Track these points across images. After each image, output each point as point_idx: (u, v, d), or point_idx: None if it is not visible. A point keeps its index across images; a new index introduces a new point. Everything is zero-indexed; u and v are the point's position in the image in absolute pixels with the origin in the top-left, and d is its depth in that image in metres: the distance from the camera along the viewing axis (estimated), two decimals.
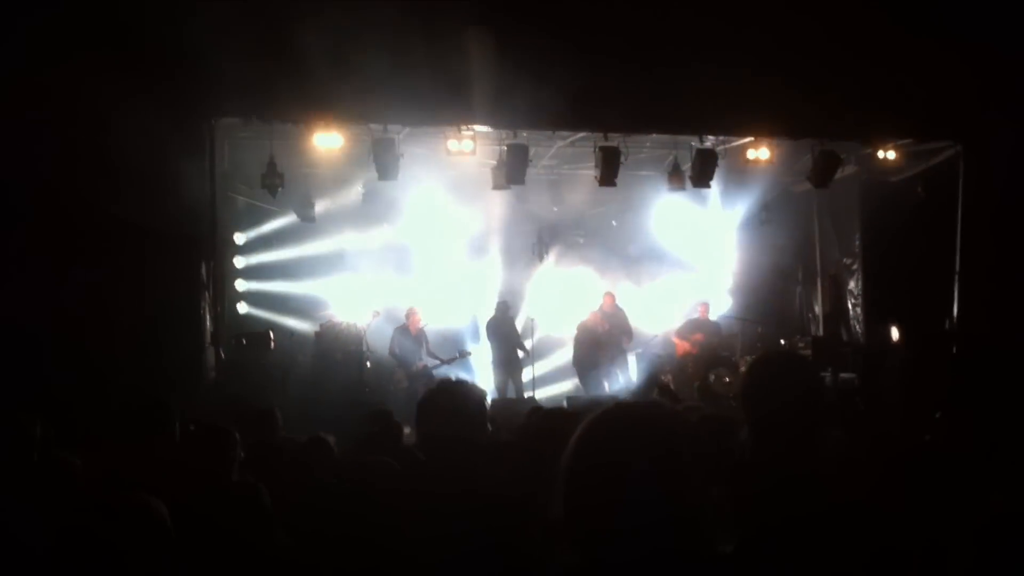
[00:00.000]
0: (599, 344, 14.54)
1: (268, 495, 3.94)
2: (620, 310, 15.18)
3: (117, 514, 3.03)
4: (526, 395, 14.36)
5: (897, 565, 2.60)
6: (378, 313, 14.38)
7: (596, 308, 15.06)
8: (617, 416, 1.95)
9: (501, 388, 14.58)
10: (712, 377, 14.41)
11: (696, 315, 15.73)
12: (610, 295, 15.26)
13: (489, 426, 3.85)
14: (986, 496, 1.54)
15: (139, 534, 3.01)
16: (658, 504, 1.80)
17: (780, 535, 2.36)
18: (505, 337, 14.90)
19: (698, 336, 15.25)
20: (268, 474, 4.51)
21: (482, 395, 3.55)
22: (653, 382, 6.93)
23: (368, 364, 13.96)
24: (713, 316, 15.94)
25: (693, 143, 13.44)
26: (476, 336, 15.99)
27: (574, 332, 14.88)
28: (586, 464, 1.89)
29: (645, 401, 2.09)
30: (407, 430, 7.95)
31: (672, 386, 12.15)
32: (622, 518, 1.80)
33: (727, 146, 13.89)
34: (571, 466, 1.90)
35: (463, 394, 3.43)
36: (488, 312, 15.48)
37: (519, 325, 15.51)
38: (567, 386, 15.52)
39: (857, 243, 15.90)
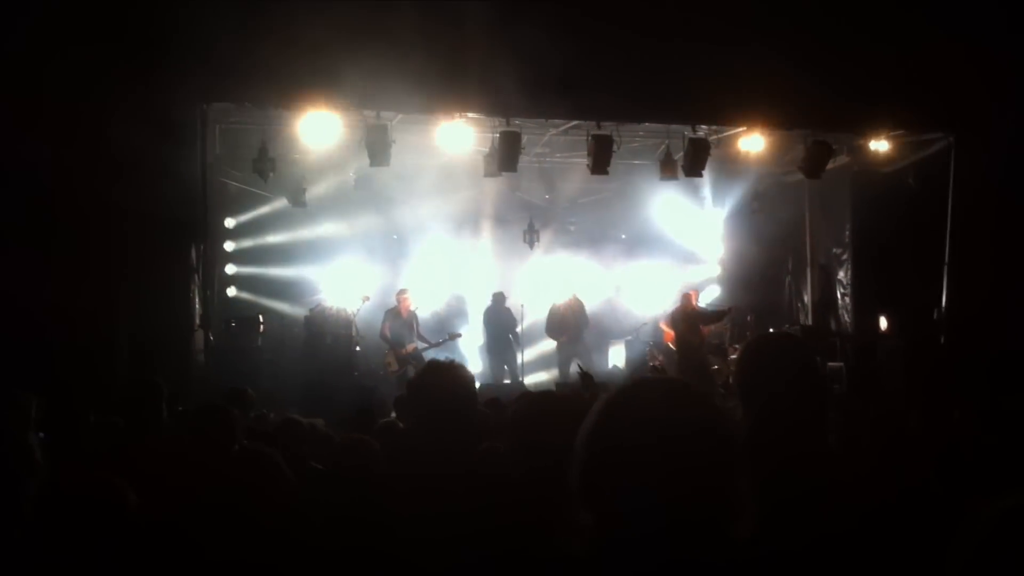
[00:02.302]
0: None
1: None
2: (579, 302, 15.26)
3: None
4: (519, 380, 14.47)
5: (903, 551, 2.61)
6: (368, 298, 14.40)
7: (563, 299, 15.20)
8: (643, 388, 1.94)
9: (496, 375, 14.64)
10: None
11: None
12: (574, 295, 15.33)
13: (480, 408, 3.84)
14: (995, 490, 1.53)
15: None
16: (680, 479, 1.78)
17: (782, 517, 2.36)
18: (500, 326, 14.94)
19: None
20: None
21: (471, 376, 3.53)
22: (643, 366, 6.89)
23: (358, 348, 13.99)
24: (702, 304, 15.99)
25: (686, 132, 13.44)
26: (464, 318, 16.04)
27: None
28: (607, 434, 1.86)
29: (672, 378, 2.06)
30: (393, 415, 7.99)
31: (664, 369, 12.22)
32: (640, 491, 1.78)
33: (720, 136, 13.90)
34: (592, 435, 1.88)
35: (453, 374, 3.43)
36: (477, 297, 15.50)
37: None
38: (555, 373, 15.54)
39: (847, 233, 15.93)
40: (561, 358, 15.02)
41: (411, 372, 13.28)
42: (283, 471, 3.22)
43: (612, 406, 1.91)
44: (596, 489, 1.84)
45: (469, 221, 16.36)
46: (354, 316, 13.91)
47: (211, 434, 4.27)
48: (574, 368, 13.67)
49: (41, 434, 4.57)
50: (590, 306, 16.06)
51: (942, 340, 13.14)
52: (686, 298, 14.73)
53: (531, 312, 15.58)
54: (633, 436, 1.82)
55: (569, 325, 14.98)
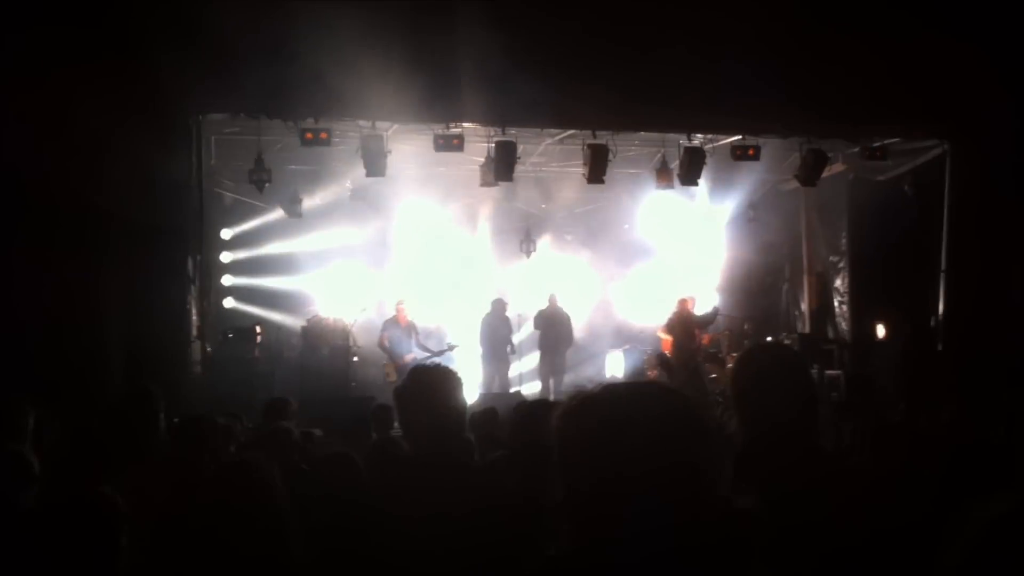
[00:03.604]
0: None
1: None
2: (561, 310, 15.22)
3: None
4: (512, 390, 14.39)
5: (899, 555, 2.60)
6: (365, 308, 14.39)
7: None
8: (615, 394, 1.89)
9: (488, 383, 14.60)
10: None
11: None
12: (553, 296, 15.26)
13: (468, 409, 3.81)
14: (990, 492, 1.51)
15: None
16: (661, 484, 1.74)
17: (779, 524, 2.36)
18: (497, 333, 14.90)
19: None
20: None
21: (459, 379, 3.47)
22: (641, 374, 6.75)
23: (355, 359, 13.96)
24: (699, 311, 15.98)
25: (681, 141, 13.45)
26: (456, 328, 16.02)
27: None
28: (585, 445, 1.82)
29: (642, 380, 2.00)
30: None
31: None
32: (623, 500, 1.75)
33: (715, 144, 13.90)
34: (568, 449, 1.84)
35: (440, 380, 3.40)
36: (473, 308, 15.49)
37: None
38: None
39: (844, 241, 15.96)
40: (543, 371, 15.00)
41: None
42: (271, 480, 3.21)
43: (588, 413, 1.85)
44: (581, 499, 1.80)
45: (465, 231, 16.36)
46: (351, 327, 13.89)
47: (189, 446, 4.29)
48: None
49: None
50: (587, 315, 16.06)
51: (939, 347, 13.15)
52: (682, 303, 14.71)
53: (527, 322, 15.59)
54: (611, 443, 1.78)
55: (551, 334, 14.96)
